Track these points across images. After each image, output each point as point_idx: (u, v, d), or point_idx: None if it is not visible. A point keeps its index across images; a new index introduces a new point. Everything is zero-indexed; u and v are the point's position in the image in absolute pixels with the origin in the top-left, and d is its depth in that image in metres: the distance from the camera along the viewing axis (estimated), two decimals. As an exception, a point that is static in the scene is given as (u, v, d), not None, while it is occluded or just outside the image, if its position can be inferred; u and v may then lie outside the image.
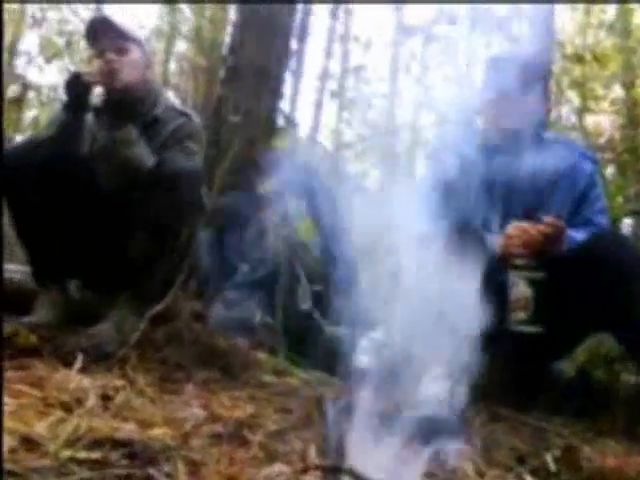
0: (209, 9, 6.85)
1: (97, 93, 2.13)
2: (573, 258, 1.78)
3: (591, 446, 1.47)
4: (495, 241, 1.83)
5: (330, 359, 2.01)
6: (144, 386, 1.52)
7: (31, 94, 7.91)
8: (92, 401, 1.27)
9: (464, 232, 1.73)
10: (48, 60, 7.95)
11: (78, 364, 1.56)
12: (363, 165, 10.43)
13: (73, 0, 7.73)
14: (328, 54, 9.15)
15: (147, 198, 2.00)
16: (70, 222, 2.11)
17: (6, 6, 7.73)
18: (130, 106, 2.10)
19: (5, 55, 8.03)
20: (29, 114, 8.48)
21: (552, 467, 1.29)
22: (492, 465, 1.26)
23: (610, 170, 5.01)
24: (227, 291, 2.73)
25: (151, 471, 0.95)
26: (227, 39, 4.66)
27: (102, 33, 2.17)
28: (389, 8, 9.68)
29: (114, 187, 2.09)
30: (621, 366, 2.12)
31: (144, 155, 2.04)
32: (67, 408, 1.21)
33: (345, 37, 9.89)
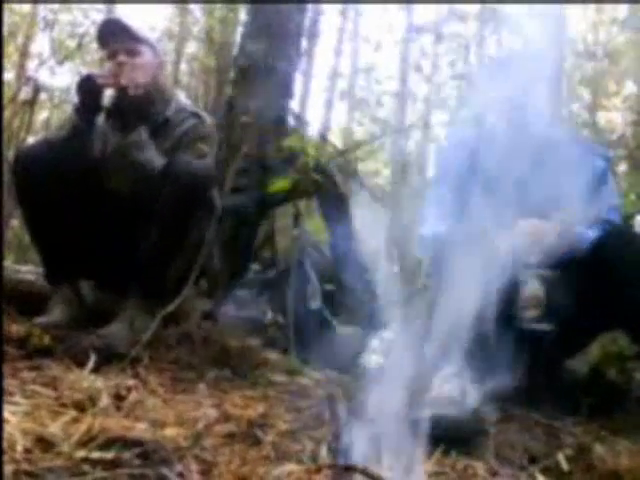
0: (219, 10, 6.87)
1: (109, 95, 2.14)
2: (585, 256, 1.78)
3: (604, 446, 1.46)
4: (506, 239, 1.83)
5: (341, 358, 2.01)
6: (156, 386, 1.53)
7: (43, 96, 7.97)
8: (105, 401, 1.27)
9: (475, 230, 1.72)
10: (60, 62, 8.00)
11: (91, 364, 1.57)
12: (374, 164, 10.42)
13: (85, 0, 7.77)
14: (338, 54, 9.14)
15: (158, 199, 2.01)
16: (82, 222, 2.13)
17: (17, 9, 7.78)
18: (141, 108, 2.12)
19: (17, 57, 8.10)
20: (41, 116, 8.55)
21: (565, 467, 1.28)
22: (504, 464, 1.26)
23: (622, 167, 4.97)
24: (238, 290, 2.74)
25: (164, 471, 0.95)
26: (237, 39, 4.67)
27: (114, 35, 2.18)
28: (399, 7, 9.66)
29: (126, 188, 2.10)
30: (635, 365, 2.11)
31: (155, 158, 2.05)
32: (80, 408, 1.22)
33: (355, 36, 9.89)
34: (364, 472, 0.88)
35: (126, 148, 2.06)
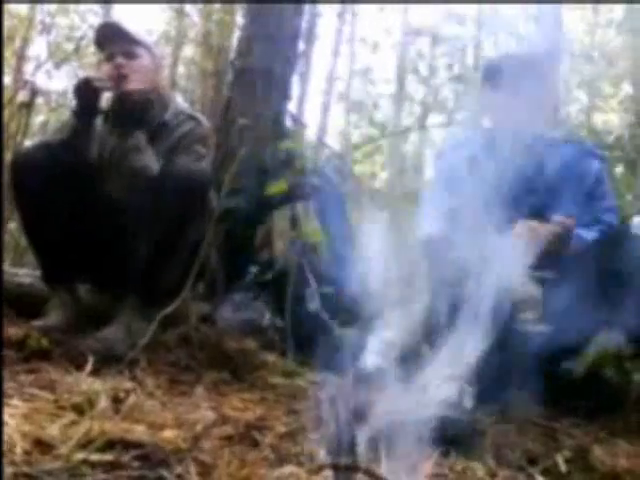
0: (216, 13, 6.88)
1: (106, 98, 2.14)
2: (582, 257, 1.78)
3: (603, 447, 1.46)
4: (503, 241, 1.83)
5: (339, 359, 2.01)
6: (154, 388, 1.53)
7: (40, 99, 7.95)
8: (103, 403, 1.27)
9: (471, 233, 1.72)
10: (57, 65, 7.99)
11: (89, 367, 1.57)
12: (371, 166, 10.42)
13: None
14: (335, 56, 9.16)
15: (155, 201, 2.01)
16: (79, 225, 2.13)
17: (14, 11, 7.78)
18: (139, 111, 2.12)
19: (14, 60, 8.09)
20: (38, 119, 8.53)
21: (563, 468, 1.28)
22: (503, 466, 1.26)
23: (619, 168, 4.98)
24: (236, 293, 2.74)
25: (163, 473, 0.95)
26: (234, 42, 4.68)
27: (111, 38, 2.18)
28: (396, 9, 9.68)
29: (123, 191, 2.10)
30: (632, 365, 2.11)
31: (152, 162, 2.05)
32: (79, 410, 1.22)
33: (352, 39, 9.91)
34: (367, 472, 0.87)
35: (124, 152, 2.06)
